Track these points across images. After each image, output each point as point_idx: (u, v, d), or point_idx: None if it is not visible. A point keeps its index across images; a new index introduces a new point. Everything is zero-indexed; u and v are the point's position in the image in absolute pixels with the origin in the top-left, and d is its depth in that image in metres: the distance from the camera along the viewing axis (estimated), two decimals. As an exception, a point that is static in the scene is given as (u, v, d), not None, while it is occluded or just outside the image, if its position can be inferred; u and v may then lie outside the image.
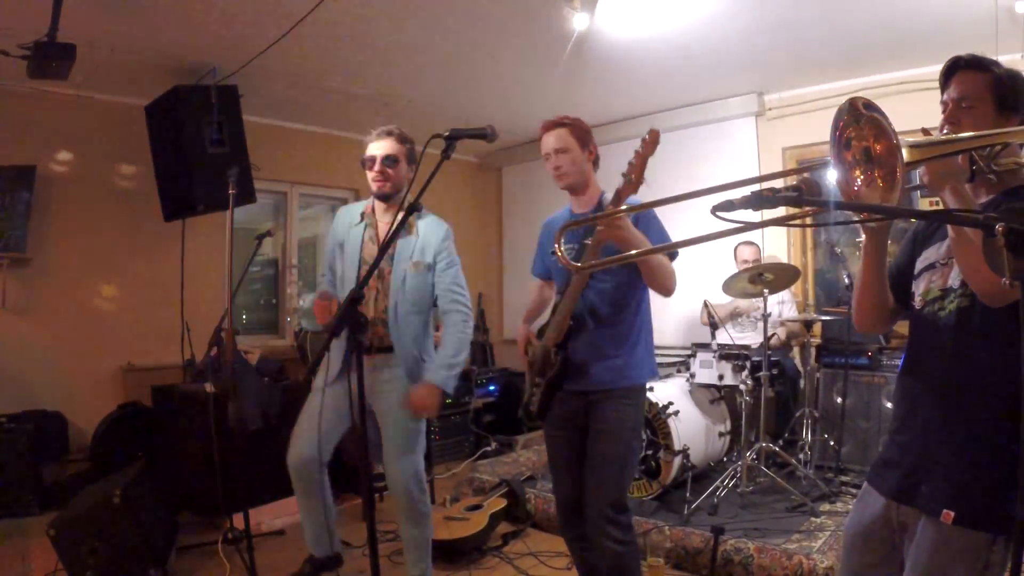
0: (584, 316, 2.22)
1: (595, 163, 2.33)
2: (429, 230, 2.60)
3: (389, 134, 2.56)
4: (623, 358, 2.23)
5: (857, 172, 1.13)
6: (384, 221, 2.63)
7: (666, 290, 2.17)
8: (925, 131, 1.24)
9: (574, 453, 2.29)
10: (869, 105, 1.09)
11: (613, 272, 2.22)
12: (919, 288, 1.44)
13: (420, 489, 2.59)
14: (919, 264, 1.46)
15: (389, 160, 2.53)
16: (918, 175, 1.25)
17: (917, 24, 3.61)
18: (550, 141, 2.25)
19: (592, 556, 2.35)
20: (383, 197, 2.59)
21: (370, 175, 2.56)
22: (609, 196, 2.28)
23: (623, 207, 2.04)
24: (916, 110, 4.00)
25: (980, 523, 1.24)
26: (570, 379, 2.24)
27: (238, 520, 2.92)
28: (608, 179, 2.41)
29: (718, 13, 3.53)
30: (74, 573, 2.66)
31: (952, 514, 1.26)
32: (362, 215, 2.66)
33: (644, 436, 3.43)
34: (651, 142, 2.03)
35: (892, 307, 1.52)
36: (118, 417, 4.05)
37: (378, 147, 2.54)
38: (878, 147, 1.09)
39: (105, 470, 3.63)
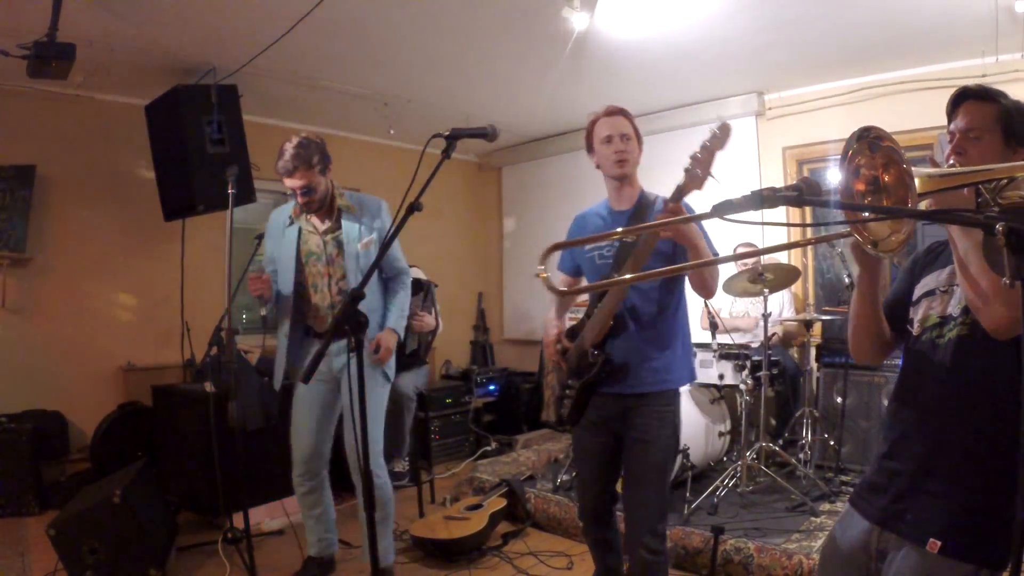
0: (624, 316, 2.12)
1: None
2: (368, 208, 2.75)
3: (295, 168, 2.58)
4: (664, 360, 2.13)
5: (867, 201, 1.13)
6: (315, 217, 2.75)
7: (709, 290, 2.12)
8: (933, 161, 1.24)
9: (604, 460, 2.22)
10: (881, 136, 1.09)
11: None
12: (917, 314, 1.41)
13: (377, 464, 2.67)
14: (918, 290, 1.43)
15: (307, 191, 2.63)
16: (923, 205, 1.25)
17: (917, 24, 3.60)
18: (617, 125, 2.15)
19: (611, 557, 2.32)
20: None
21: (297, 200, 2.68)
22: (652, 194, 2.19)
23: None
24: (916, 110, 4.05)
25: (966, 555, 1.23)
26: (608, 381, 2.14)
27: (238, 520, 2.92)
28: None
29: (718, 13, 3.52)
30: (74, 573, 2.66)
31: (939, 544, 1.24)
32: (291, 218, 2.77)
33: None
34: (723, 135, 1.88)
35: (888, 339, 1.49)
36: (118, 417, 4.05)
37: (292, 183, 2.62)
38: (887, 177, 1.09)
39: (105, 470, 3.63)
